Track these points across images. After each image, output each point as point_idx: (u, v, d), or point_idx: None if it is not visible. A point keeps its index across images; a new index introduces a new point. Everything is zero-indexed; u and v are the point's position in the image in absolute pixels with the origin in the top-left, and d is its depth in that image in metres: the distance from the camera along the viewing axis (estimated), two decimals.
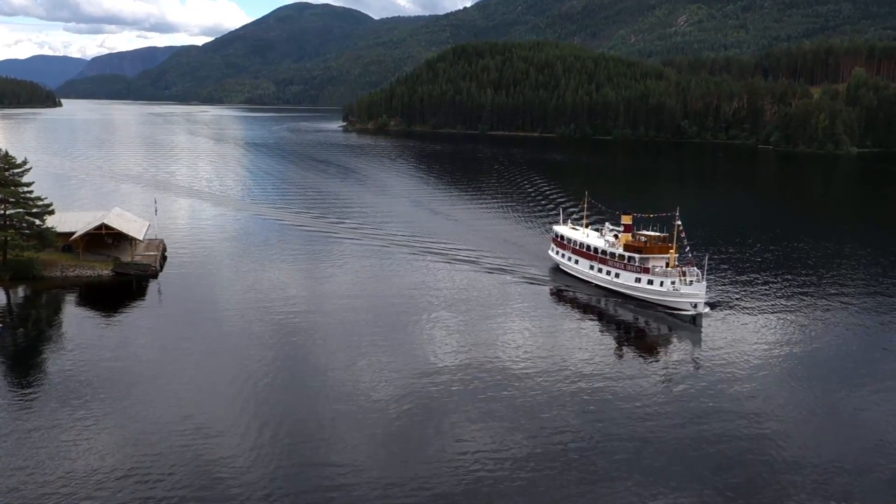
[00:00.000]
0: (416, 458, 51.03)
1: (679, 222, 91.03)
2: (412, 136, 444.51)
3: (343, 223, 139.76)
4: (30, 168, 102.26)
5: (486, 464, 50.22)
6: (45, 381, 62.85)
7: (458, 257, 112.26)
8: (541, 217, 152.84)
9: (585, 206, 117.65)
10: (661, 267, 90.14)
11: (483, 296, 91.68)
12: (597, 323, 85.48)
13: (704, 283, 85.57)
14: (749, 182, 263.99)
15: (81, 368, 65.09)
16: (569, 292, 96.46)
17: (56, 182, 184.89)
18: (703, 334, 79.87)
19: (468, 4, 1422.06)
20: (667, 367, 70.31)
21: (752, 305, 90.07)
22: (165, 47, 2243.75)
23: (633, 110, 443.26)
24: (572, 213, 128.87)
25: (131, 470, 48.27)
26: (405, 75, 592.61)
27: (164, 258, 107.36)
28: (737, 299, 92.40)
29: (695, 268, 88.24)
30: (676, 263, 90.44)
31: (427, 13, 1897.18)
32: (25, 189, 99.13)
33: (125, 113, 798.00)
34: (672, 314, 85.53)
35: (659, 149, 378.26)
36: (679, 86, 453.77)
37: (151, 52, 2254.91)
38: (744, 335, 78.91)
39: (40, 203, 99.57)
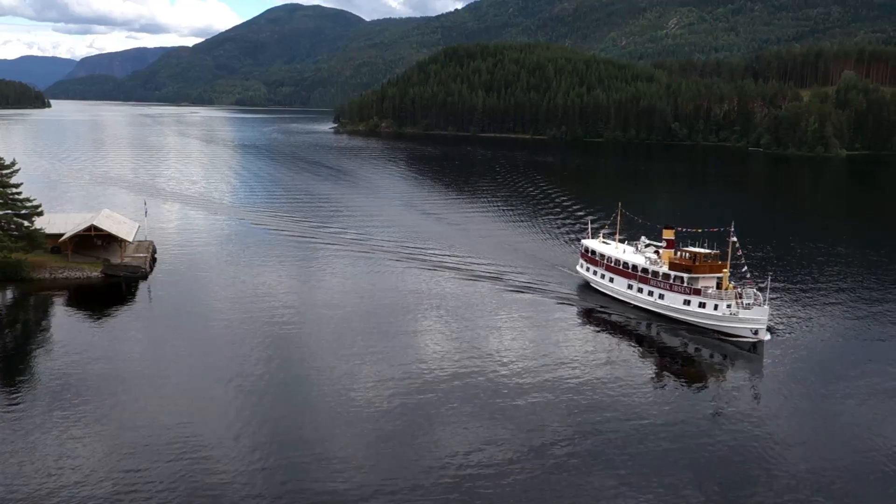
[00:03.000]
0: (414, 465, 50.63)
1: (734, 239, 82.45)
2: (403, 137, 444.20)
3: (346, 232, 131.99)
4: (18, 169, 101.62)
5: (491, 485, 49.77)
6: (33, 384, 62.10)
7: (477, 272, 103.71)
8: (557, 226, 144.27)
9: (618, 217, 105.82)
10: (713, 287, 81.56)
11: (504, 314, 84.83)
12: (636, 348, 77.05)
13: (767, 307, 77.45)
14: (766, 187, 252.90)
15: (70, 371, 64.40)
16: (603, 313, 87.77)
17: (45, 183, 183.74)
18: (764, 363, 72.39)
19: (459, 6, 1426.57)
20: (719, 399, 63.64)
21: (819, 329, 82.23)
22: (155, 48, 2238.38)
23: (624, 112, 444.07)
24: (592, 222, 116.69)
25: (120, 474, 47.67)
26: (396, 77, 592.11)
27: (153, 260, 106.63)
28: (800, 323, 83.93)
29: (752, 289, 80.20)
30: (731, 284, 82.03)
31: (418, 15, 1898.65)
32: (14, 190, 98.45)
33: (115, 114, 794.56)
34: (728, 341, 77.32)
35: (650, 151, 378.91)
36: (670, 88, 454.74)
37: (141, 52, 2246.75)
38: (812, 365, 71.31)
39: (29, 204, 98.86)
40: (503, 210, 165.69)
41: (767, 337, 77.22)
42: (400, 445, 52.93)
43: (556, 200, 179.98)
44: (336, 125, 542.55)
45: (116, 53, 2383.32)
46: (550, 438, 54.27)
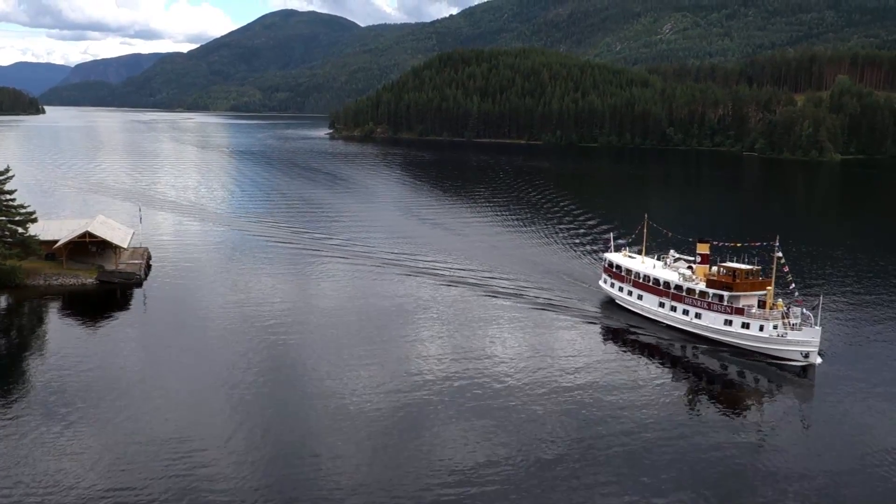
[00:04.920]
0: (413, 472, 50.29)
1: (780, 254, 76.69)
2: (399, 143, 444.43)
3: (351, 245, 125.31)
4: (12, 176, 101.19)
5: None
6: (26, 391, 61.66)
7: (492, 287, 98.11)
8: (570, 236, 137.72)
9: (645, 230, 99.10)
10: (754, 306, 76.01)
11: (522, 332, 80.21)
12: (670, 370, 71.79)
13: (819, 328, 71.45)
14: (784, 194, 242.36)
15: (65, 378, 63.96)
16: (631, 332, 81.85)
17: (39, 190, 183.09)
18: (815, 389, 67.04)
19: (454, 12, 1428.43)
20: (764, 426, 59.24)
21: (876, 352, 76.17)
22: (150, 54, 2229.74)
23: (619, 117, 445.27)
24: (615, 234, 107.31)
25: (115, 482, 47.28)
26: (391, 83, 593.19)
27: (148, 266, 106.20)
28: (854, 345, 78.11)
29: (800, 308, 74.12)
30: (777, 302, 76.18)
31: (413, 21, 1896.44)
32: (8, 197, 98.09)
33: (109, 120, 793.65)
34: (775, 364, 71.70)
35: (645, 156, 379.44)
36: (664, 93, 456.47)
37: (136, 58, 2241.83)
38: (870, 392, 65.27)
39: (23, 211, 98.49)
40: (511, 219, 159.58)
41: (819, 360, 71.55)
42: (399, 454, 52.55)
43: (566, 209, 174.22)
44: (331, 131, 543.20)
45: (111, 59, 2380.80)
46: (570, 464, 50.96)
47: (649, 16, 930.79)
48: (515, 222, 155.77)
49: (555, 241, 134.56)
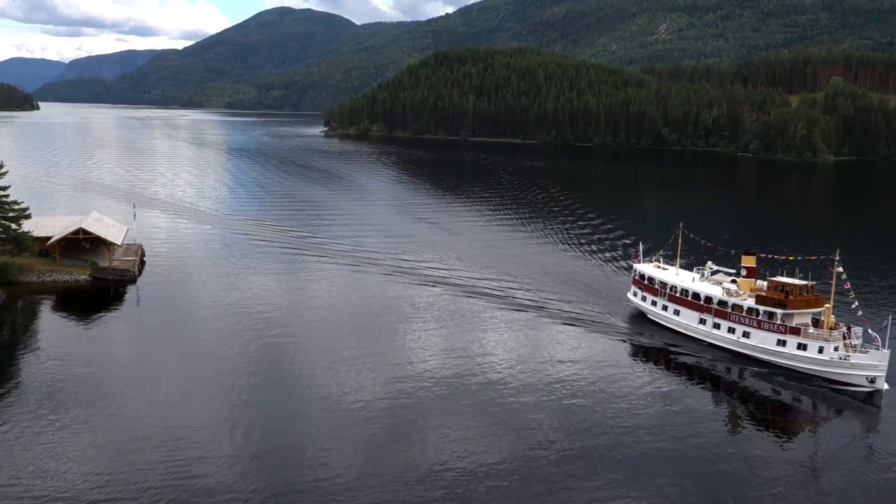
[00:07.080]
0: (412, 473, 50.35)
1: (840, 268, 70.55)
2: (394, 141, 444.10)
3: (358, 250, 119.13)
4: (6, 172, 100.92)
5: None
6: (19, 388, 61.52)
7: (515, 298, 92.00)
8: (584, 241, 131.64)
9: (679, 239, 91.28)
10: (809, 325, 70.43)
11: (551, 347, 75.12)
12: (712, 392, 66.68)
13: (888, 350, 65.28)
14: (807, 198, 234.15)
15: (57, 376, 63.88)
16: (669, 351, 75.90)
17: (33, 186, 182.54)
18: (881, 418, 61.93)
19: (450, 11, 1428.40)
20: (820, 455, 55.25)
21: None
22: (145, 51, 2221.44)
23: (614, 117, 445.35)
24: (644, 243, 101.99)
25: (107, 480, 47.25)
26: (387, 81, 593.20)
27: (142, 263, 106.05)
28: None
29: (865, 328, 68.48)
30: (836, 321, 70.46)
31: (409, 19, 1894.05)
32: (1, 193, 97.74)
33: (103, 117, 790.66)
34: (835, 389, 65.83)
35: (641, 156, 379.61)
36: (659, 93, 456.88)
37: (131, 55, 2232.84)
38: None
39: (16, 207, 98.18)
40: (521, 223, 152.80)
41: (886, 387, 65.44)
42: (398, 457, 52.47)
43: (577, 212, 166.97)
44: (326, 129, 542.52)
45: (105, 56, 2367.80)
46: (595, 490, 48.01)
47: (645, 16, 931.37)
48: (526, 227, 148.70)
49: (571, 247, 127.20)
